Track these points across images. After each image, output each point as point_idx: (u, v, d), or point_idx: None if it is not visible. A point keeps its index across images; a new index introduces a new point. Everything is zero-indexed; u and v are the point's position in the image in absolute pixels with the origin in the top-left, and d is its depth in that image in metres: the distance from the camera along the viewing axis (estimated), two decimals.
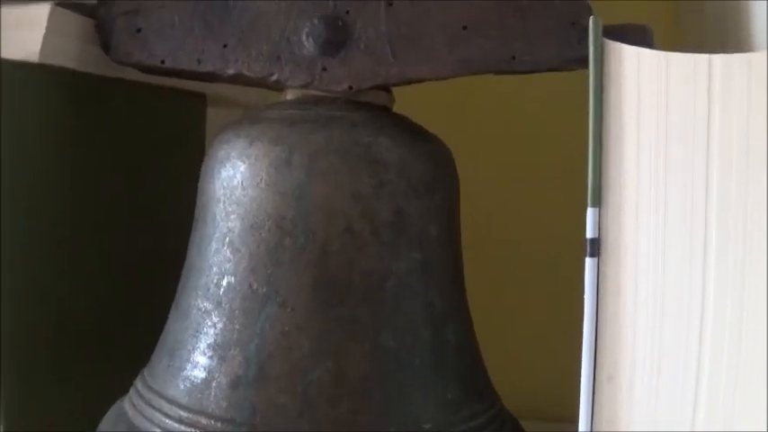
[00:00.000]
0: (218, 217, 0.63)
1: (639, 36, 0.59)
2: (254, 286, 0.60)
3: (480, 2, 0.62)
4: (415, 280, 0.62)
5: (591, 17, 0.56)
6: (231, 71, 0.65)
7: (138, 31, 0.67)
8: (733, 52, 0.66)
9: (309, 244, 0.60)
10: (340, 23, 0.63)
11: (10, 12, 0.65)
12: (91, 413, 0.67)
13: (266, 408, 0.59)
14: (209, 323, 0.61)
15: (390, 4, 0.63)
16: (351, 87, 0.64)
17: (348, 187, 0.60)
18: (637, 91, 0.55)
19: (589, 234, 0.55)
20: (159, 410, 0.61)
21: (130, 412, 0.63)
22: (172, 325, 0.65)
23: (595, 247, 0.55)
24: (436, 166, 0.64)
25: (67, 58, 0.68)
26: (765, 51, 0.53)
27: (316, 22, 0.63)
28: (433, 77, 0.63)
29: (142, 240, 0.79)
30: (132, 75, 0.70)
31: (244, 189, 0.61)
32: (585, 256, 0.55)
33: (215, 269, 0.62)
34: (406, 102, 0.69)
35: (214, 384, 0.60)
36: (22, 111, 0.65)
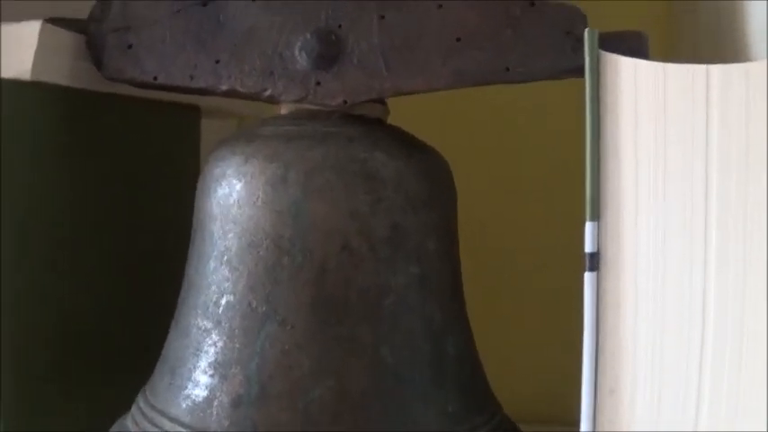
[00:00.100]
0: (215, 235, 0.63)
1: (635, 43, 0.59)
2: (254, 305, 0.60)
3: (473, 13, 0.62)
4: (413, 295, 0.62)
5: (586, 29, 0.56)
6: (224, 87, 0.65)
7: (130, 47, 0.66)
8: (728, 52, 0.66)
9: (307, 262, 0.60)
10: (333, 37, 0.63)
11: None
12: (91, 414, 0.67)
13: (268, 426, 0.59)
14: (210, 342, 0.61)
15: (383, 17, 0.63)
16: (345, 101, 0.63)
17: (345, 204, 0.60)
18: (634, 102, 0.54)
19: (588, 248, 0.55)
20: (161, 429, 0.61)
21: (133, 429, 0.63)
22: (173, 342, 0.65)
23: (594, 262, 0.55)
24: (433, 179, 0.64)
25: (59, 74, 0.67)
26: (763, 61, 0.53)
27: (308, 36, 0.63)
28: (427, 90, 0.63)
29: (140, 248, 0.79)
30: (125, 89, 0.69)
31: (240, 207, 0.61)
32: (585, 270, 0.55)
33: (214, 287, 0.62)
34: (401, 112, 0.69)
35: (216, 403, 0.60)
36: (14, 128, 0.65)
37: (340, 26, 0.63)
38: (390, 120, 0.68)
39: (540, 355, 0.98)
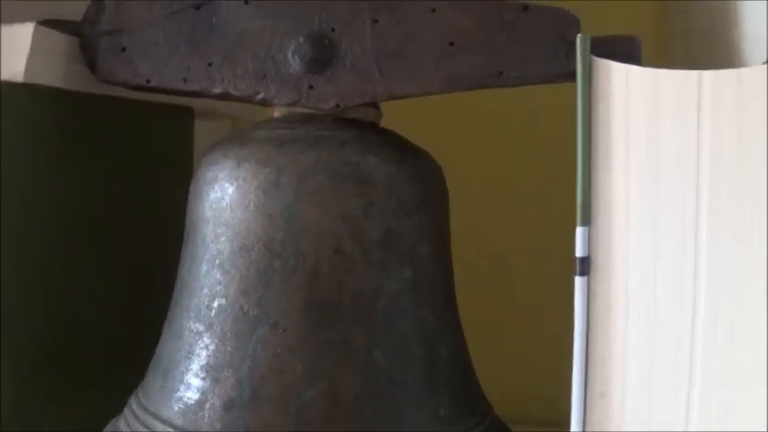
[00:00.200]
0: (207, 238, 0.63)
1: (628, 47, 0.59)
2: (246, 308, 0.61)
3: (467, 18, 0.62)
4: (406, 298, 0.62)
5: (579, 35, 0.56)
6: (217, 90, 0.65)
7: (123, 50, 0.66)
8: (720, 52, 0.66)
9: (300, 266, 0.60)
10: (326, 41, 0.63)
11: None
12: (91, 414, 0.67)
13: (260, 429, 0.59)
14: (202, 345, 0.61)
15: (376, 21, 0.63)
16: (338, 105, 0.63)
17: (337, 208, 0.60)
18: (626, 108, 0.55)
19: (579, 253, 0.55)
20: (153, 431, 0.61)
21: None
22: (165, 345, 0.65)
23: (585, 266, 0.55)
24: (425, 183, 0.64)
25: (53, 76, 0.67)
26: (755, 67, 0.53)
27: (301, 40, 0.63)
28: (420, 94, 0.63)
29: (134, 249, 0.79)
30: (119, 91, 0.69)
31: (232, 211, 0.61)
32: (575, 275, 0.55)
33: (206, 290, 0.62)
34: (394, 116, 0.69)
35: (208, 406, 0.60)
36: (8, 130, 0.65)
37: (333, 30, 0.63)
38: (383, 123, 0.68)
39: (533, 357, 0.98)
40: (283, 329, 0.60)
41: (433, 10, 0.62)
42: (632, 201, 0.54)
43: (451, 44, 0.62)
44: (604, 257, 0.55)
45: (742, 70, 0.53)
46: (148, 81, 0.66)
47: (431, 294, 0.64)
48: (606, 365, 0.55)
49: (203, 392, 0.61)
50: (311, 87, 0.64)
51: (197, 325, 0.62)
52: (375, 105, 0.67)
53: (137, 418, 0.63)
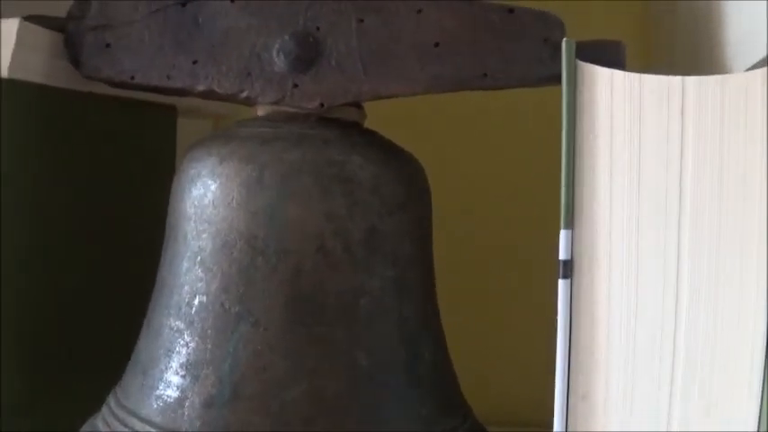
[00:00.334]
0: (189, 236, 0.62)
1: (613, 52, 0.59)
2: (227, 305, 0.60)
3: (452, 19, 0.62)
4: (388, 297, 0.62)
5: (564, 39, 0.56)
6: (201, 87, 0.65)
7: (108, 46, 0.66)
8: (704, 56, 0.67)
9: (282, 263, 0.60)
10: (311, 40, 0.63)
11: None
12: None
13: (240, 427, 0.59)
14: (182, 342, 0.61)
15: (362, 21, 0.63)
16: (322, 104, 0.63)
17: (321, 206, 0.60)
18: (610, 112, 0.55)
19: (562, 255, 0.55)
20: (132, 429, 0.61)
21: (104, 430, 0.63)
22: (144, 343, 0.65)
23: (568, 269, 0.55)
24: (409, 183, 0.64)
25: (36, 73, 0.67)
26: (738, 74, 0.54)
27: (286, 38, 0.63)
28: (404, 94, 0.63)
29: (118, 246, 0.79)
30: (102, 88, 0.69)
31: (215, 208, 0.61)
32: (558, 277, 0.55)
33: (186, 288, 0.62)
34: (378, 116, 0.69)
35: (187, 404, 0.60)
36: None
37: (318, 29, 0.63)
38: (366, 124, 0.68)
39: (517, 359, 0.98)
40: (265, 327, 0.60)
41: (419, 11, 0.62)
42: (615, 204, 0.55)
43: (437, 45, 0.62)
44: (588, 259, 0.55)
45: (725, 76, 0.54)
46: (132, 77, 0.66)
47: (413, 294, 0.64)
48: (589, 368, 0.55)
49: (183, 390, 0.60)
50: (296, 86, 0.63)
51: (177, 322, 0.62)
52: (359, 105, 0.67)
53: (115, 416, 0.63)
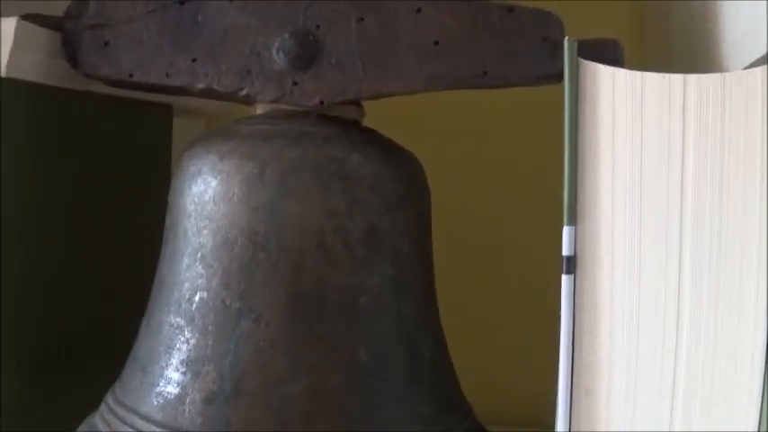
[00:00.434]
0: (189, 232, 0.62)
1: (612, 51, 0.60)
2: (228, 302, 0.60)
3: (451, 18, 0.62)
4: (388, 295, 0.62)
5: (566, 39, 0.57)
6: (201, 85, 0.65)
7: (106, 44, 0.66)
8: (700, 56, 0.67)
9: (282, 260, 0.60)
10: (310, 38, 0.63)
11: None
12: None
13: (242, 424, 0.59)
14: (182, 339, 0.61)
15: (361, 20, 0.63)
16: (322, 102, 0.63)
17: (321, 203, 0.61)
18: (611, 109, 0.55)
19: (565, 252, 0.55)
20: (132, 426, 0.61)
21: (102, 428, 0.63)
22: (143, 340, 0.64)
23: (572, 265, 0.55)
24: (408, 181, 0.64)
25: (34, 72, 0.67)
26: (738, 72, 0.54)
27: (286, 36, 0.63)
28: (404, 92, 0.64)
29: (113, 245, 0.78)
30: (99, 87, 0.69)
31: (216, 204, 0.61)
32: (562, 273, 0.56)
33: (187, 284, 0.62)
34: (376, 114, 0.69)
35: (188, 400, 0.60)
36: None
37: (318, 27, 0.63)
38: (365, 122, 0.68)
39: (516, 358, 0.98)
40: (266, 323, 0.60)
41: (419, 10, 0.63)
42: (617, 200, 0.55)
43: (436, 44, 0.63)
44: (591, 255, 0.55)
45: (726, 74, 0.55)
46: (131, 76, 0.66)
47: (412, 292, 0.64)
48: (592, 363, 0.56)
49: (184, 387, 0.60)
50: (295, 84, 0.64)
51: (177, 319, 0.62)
52: (357, 103, 0.67)
53: (114, 414, 0.63)
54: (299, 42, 0.63)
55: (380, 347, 0.61)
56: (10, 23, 0.64)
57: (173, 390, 0.61)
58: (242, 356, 0.60)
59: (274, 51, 0.64)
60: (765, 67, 0.54)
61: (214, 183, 0.61)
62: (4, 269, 0.66)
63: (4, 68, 0.64)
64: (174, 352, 0.61)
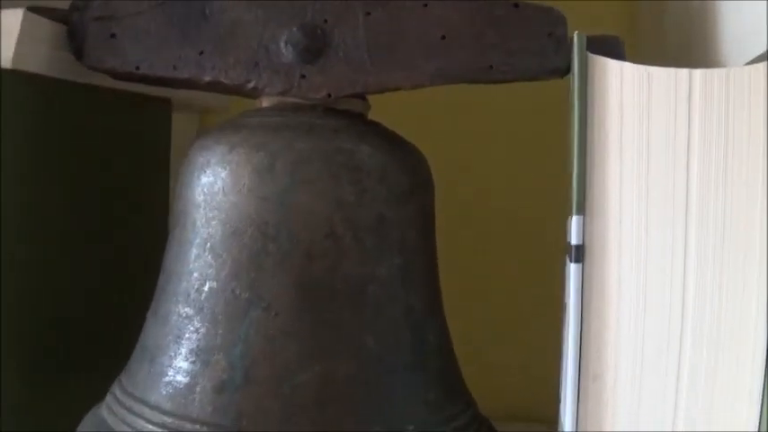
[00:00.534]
0: (198, 223, 0.63)
1: (614, 46, 0.61)
2: (237, 292, 0.61)
3: (458, 13, 0.63)
4: (395, 284, 0.63)
5: (575, 33, 0.58)
6: (208, 78, 0.65)
7: (112, 36, 0.66)
8: (698, 51, 0.69)
9: (293, 249, 0.61)
10: (318, 31, 0.64)
11: None
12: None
13: (253, 412, 0.59)
14: (192, 328, 0.62)
15: (369, 14, 0.64)
16: (329, 95, 0.64)
17: (331, 194, 0.61)
18: (619, 103, 0.56)
19: (574, 241, 0.56)
20: (141, 416, 0.61)
21: (110, 419, 0.63)
22: (151, 331, 0.65)
23: (580, 253, 0.56)
24: (413, 173, 0.65)
25: (39, 63, 0.67)
26: (742, 66, 0.56)
27: (294, 29, 0.64)
28: (410, 86, 0.64)
29: (113, 240, 0.79)
30: (101, 80, 0.69)
31: (225, 195, 0.62)
32: (570, 261, 0.57)
33: (196, 275, 0.62)
34: (381, 108, 0.70)
35: (198, 389, 0.60)
36: None
37: (326, 21, 0.64)
38: (369, 115, 0.69)
39: (518, 355, 0.99)
40: (276, 313, 0.60)
41: (425, 5, 0.64)
42: (625, 191, 0.56)
43: (442, 38, 0.64)
44: (599, 244, 0.57)
45: (729, 69, 0.56)
46: (137, 68, 0.66)
47: (418, 282, 0.65)
48: (600, 349, 0.57)
49: (193, 376, 0.61)
50: (303, 77, 0.64)
51: (186, 309, 0.62)
52: (363, 97, 0.68)
53: (122, 404, 0.63)
54: (307, 35, 0.64)
55: (389, 335, 0.62)
56: (16, 15, 0.65)
57: (182, 379, 0.61)
58: (252, 345, 0.60)
59: (282, 44, 0.64)
60: (767, 63, 0.55)
61: (224, 173, 0.62)
62: (4, 267, 0.66)
63: (9, 60, 0.64)
64: (184, 341, 0.62)
